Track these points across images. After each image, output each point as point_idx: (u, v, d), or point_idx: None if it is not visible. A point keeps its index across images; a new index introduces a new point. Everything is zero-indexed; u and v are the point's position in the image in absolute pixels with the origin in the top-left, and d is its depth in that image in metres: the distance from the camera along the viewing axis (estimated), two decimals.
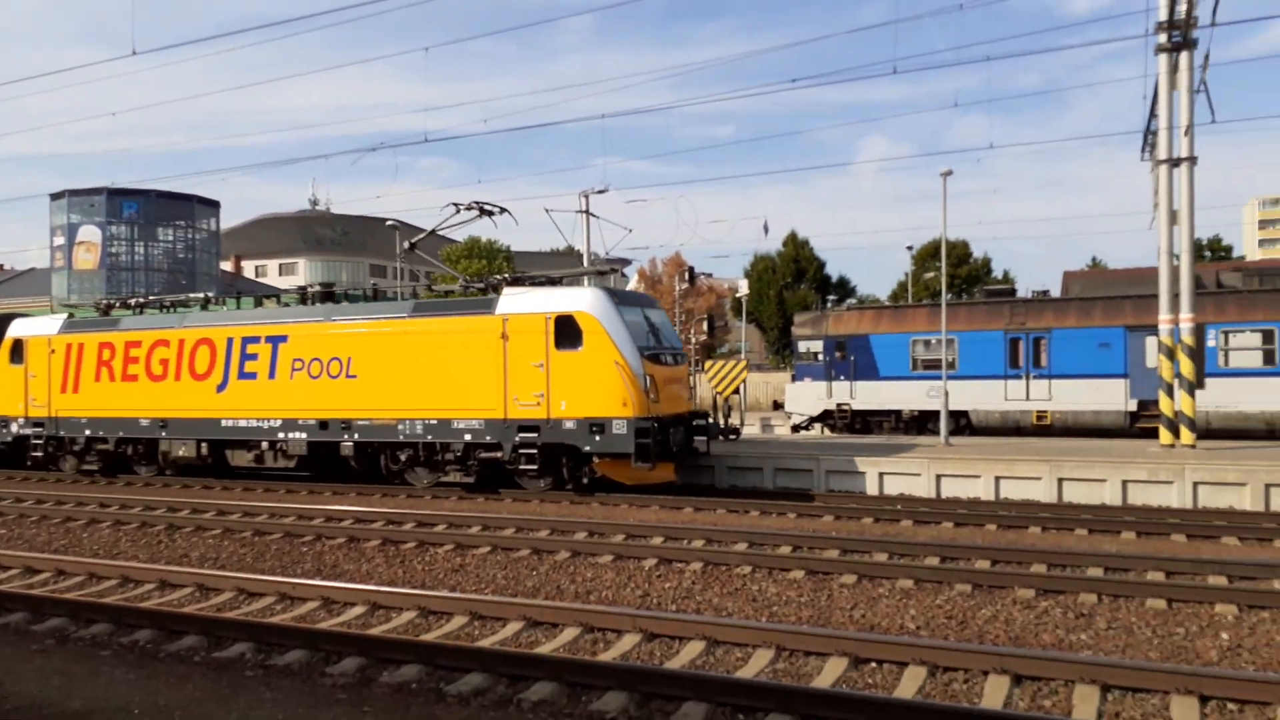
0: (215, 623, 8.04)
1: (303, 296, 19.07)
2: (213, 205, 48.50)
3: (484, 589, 10.21)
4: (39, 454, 20.64)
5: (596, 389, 15.06)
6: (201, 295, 20.75)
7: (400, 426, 16.51)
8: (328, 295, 18.83)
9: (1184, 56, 16.99)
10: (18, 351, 21.07)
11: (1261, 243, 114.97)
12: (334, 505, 15.04)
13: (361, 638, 7.51)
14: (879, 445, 19.51)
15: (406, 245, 18.59)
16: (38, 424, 20.62)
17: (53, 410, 20.39)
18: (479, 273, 53.12)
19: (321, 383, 17.17)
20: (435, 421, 16.25)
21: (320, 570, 11.25)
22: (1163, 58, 17.19)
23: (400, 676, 6.67)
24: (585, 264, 26.89)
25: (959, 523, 13.12)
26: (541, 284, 16.77)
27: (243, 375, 17.91)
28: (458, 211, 18.13)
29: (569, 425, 15.22)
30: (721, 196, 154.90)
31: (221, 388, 18.09)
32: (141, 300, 21.45)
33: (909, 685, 6.77)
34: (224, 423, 18.09)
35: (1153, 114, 18.56)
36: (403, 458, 17.03)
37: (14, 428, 21.00)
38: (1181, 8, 16.67)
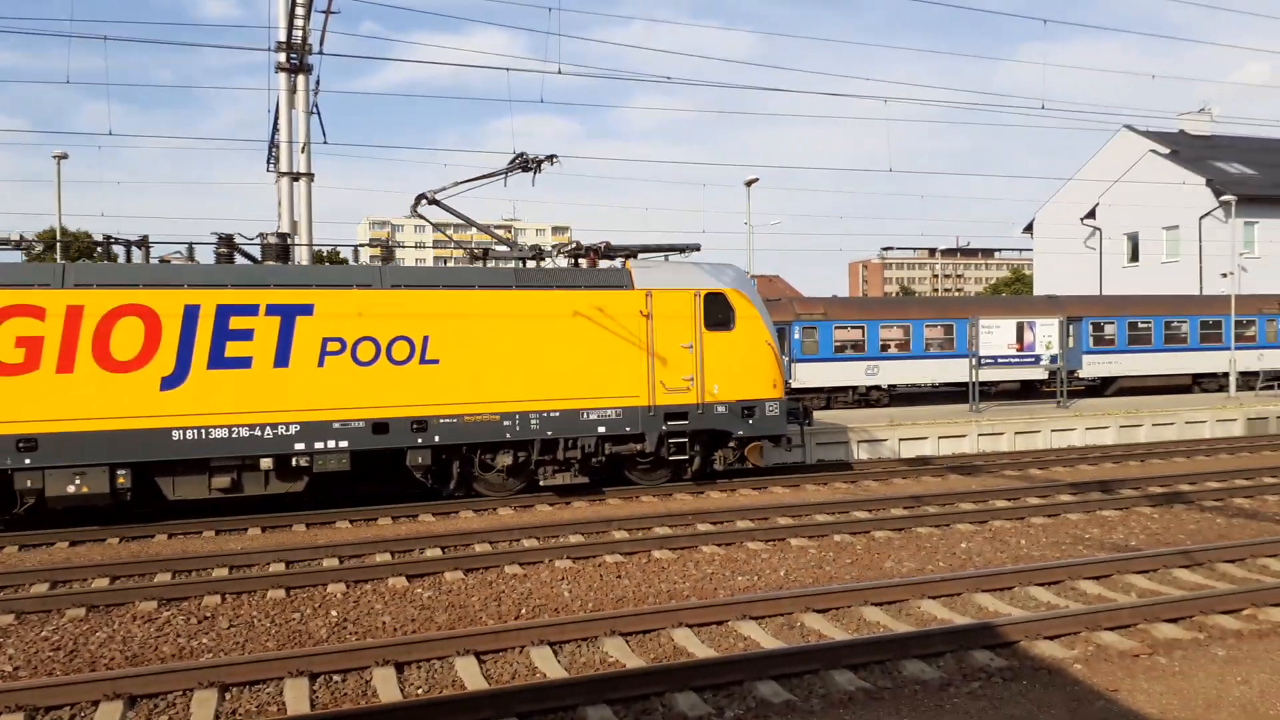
0: None
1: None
2: None
3: None
4: None
5: (749, 371, 15.13)
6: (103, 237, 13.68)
7: (505, 422, 13.86)
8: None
9: (301, 79, 18.34)
10: None
11: (371, 258, 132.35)
12: None
13: None
14: None
15: (427, 197, 15.13)
16: None
17: None
18: None
19: (377, 371, 13.39)
20: (558, 414, 14.15)
21: None
22: (283, 76, 18.23)
23: None
24: None
25: (75, 542, 11.91)
26: (621, 258, 15.39)
27: (218, 363, 12.76)
28: (527, 164, 15.18)
29: (720, 410, 14.97)
30: None
31: (172, 382, 12.52)
32: None
33: None
34: (176, 435, 12.40)
35: (275, 128, 19.58)
36: (505, 461, 14.17)
37: None
38: (298, 32, 17.94)
